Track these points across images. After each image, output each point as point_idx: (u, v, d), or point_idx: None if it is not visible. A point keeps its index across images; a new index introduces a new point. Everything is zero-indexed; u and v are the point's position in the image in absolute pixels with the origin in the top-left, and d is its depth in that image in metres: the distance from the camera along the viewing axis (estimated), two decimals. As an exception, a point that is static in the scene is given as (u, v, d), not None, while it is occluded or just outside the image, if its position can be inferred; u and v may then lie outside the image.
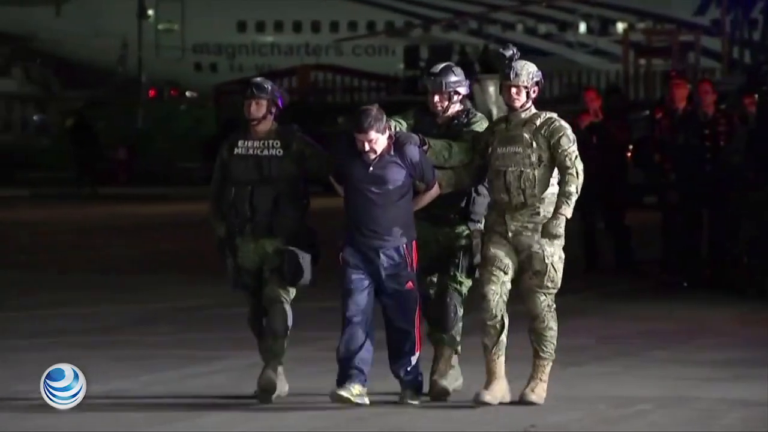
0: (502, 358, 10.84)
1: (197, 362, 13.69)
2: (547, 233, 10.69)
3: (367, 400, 10.90)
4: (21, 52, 57.16)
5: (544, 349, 10.84)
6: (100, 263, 24.93)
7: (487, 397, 10.70)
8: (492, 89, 41.64)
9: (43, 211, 36.78)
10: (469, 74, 44.00)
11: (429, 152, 10.92)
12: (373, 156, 10.83)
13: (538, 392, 10.79)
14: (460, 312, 11.10)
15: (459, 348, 11.22)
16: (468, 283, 11.08)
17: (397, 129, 10.99)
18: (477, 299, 11.03)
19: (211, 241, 12.22)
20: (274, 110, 11.23)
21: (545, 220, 10.70)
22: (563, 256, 10.79)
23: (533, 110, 10.78)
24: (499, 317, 10.79)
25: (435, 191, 10.94)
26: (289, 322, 11.16)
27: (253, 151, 11.22)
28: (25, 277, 23.34)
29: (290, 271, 11.11)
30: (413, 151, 10.84)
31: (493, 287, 10.81)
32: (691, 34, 52.15)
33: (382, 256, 10.84)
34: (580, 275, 19.18)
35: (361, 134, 10.74)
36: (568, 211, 10.63)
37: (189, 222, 32.47)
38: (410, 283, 10.89)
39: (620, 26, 54.11)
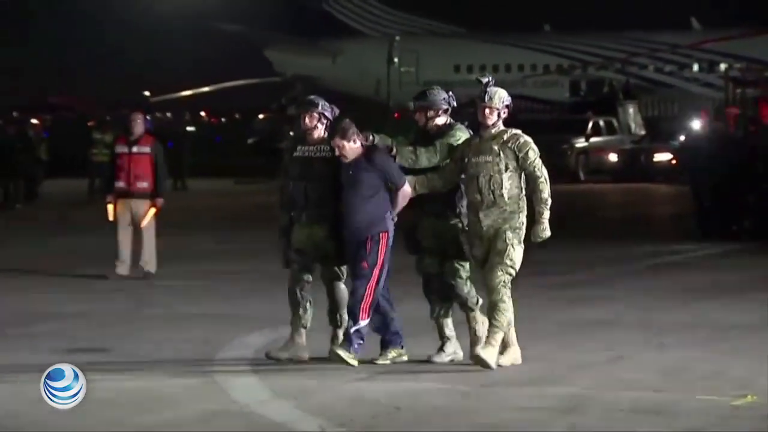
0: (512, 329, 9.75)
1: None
2: (536, 236, 9.66)
3: (387, 359, 9.77)
4: (309, 88, 48.92)
5: (497, 318, 9.48)
6: None
7: (503, 360, 9.62)
8: (630, 110, 44.68)
9: None
10: (615, 100, 45.99)
11: (397, 158, 9.74)
12: (345, 161, 9.76)
13: (487, 354, 9.45)
14: (465, 285, 9.90)
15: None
16: (466, 265, 9.90)
17: (375, 139, 9.81)
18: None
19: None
20: (324, 121, 9.96)
21: (511, 215, 9.58)
22: (518, 247, 9.58)
23: (501, 127, 9.73)
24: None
25: (406, 192, 9.72)
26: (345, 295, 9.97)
27: (307, 154, 9.96)
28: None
29: (343, 255, 9.90)
30: (382, 158, 9.73)
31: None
32: (773, 71, 52.15)
33: (358, 245, 9.74)
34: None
35: (333, 141, 9.79)
36: (546, 214, 9.62)
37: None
38: (365, 263, 9.67)
39: (722, 66, 51.86)
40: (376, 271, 9.65)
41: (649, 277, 15.94)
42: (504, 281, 9.51)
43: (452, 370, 9.49)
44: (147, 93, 63.75)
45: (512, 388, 8.82)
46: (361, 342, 9.61)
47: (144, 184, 15.64)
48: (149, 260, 15.64)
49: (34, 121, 40.29)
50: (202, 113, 67.31)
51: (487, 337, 9.52)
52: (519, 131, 9.72)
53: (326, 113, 9.99)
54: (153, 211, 15.66)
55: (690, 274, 16.15)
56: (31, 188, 31.20)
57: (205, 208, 30.37)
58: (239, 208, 30.72)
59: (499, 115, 9.72)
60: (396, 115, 53.74)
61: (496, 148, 9.56)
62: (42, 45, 72.99)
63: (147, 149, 15.69)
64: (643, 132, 44.19)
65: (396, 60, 56.18)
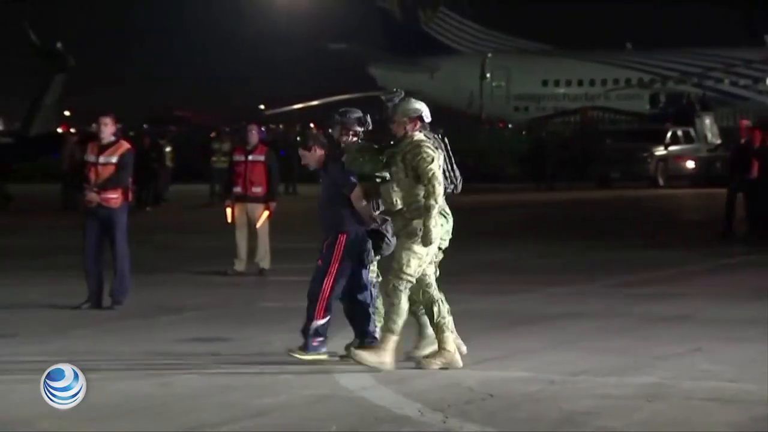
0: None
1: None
2: (407, 234, 9.15)
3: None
4: None
5: (387, 324, 9.10)
6: (460, 227, 25.37)
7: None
8: (707, 121, 44.24)
9: None
10: (692, 112, 45.89)
11: (347, 164, 9.40)
12: (310, 168, 9.69)
13: (366, 355, 9.04)
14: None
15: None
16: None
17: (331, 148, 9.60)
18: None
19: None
20: (350, 134, 9.55)
21: (409, 222, 9.13)
22: (418, 252, 9.08)
23: (409, 138, 9.17)
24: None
25: (354, 197, 9.38)
26: None
27: None
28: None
29: None
30: (333, 165, 9.49)
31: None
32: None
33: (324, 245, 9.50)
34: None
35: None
36: (428, 221, 9.04)
37: (502, 204, 33.63)
38: (320, 261, 9.39)
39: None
40: (331, 269, 9.30)
41: (725, 274, 15.84)
42: (395, 286, 9.11)
43: (541, 360, 9.45)
44: (262, 107, 64.59)
45: (597, 378, 8.75)
46: (321, 339, 9.33)
47: (259, 189, 15.75)
48: (263, 258, 15.80)
49: (172, 128, 40.81)
50: (311, 125, 67.92)
51: (381, 339, 9.17)
52: (422, 141, 9.20)
53: (352, 127, 9.55)
54: (267, 213, 15.76)
55: (765, 272, 15.93)
56: (159, 193, 31.78)
57: (313, 210, 30.41)
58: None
59: (405, 128, 9.22)
60: (487, 124, 55.62)
61: (399, 158, 9.23)
62: (169, 63, 73.94)
63: (261, 157, 15.80)
64: (719, 141, 43.82)
65: (488, 75, 56.94)
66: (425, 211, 9.05)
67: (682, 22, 67.49)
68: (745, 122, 23.16)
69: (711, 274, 16.05)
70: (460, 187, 9.49)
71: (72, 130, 40.06)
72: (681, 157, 41.46)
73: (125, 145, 12.64)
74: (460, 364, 9.10)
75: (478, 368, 9.09)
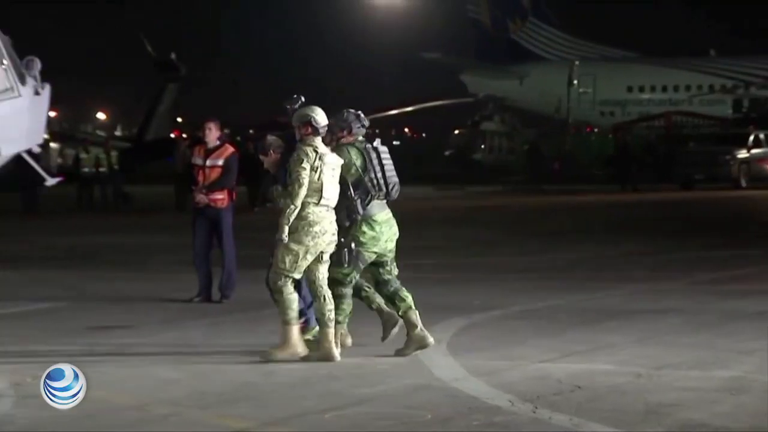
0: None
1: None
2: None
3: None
4: (498, 107, 57.42)
5: (282, 315, 9.09)
6: (549, 226, 25.49)
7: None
8: None
9: (511, 199, 37.15)
10: None
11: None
12: (272, 172, 9.70)
13: (314, 355, 9.03)
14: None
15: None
16: (344, 270, 9.32)
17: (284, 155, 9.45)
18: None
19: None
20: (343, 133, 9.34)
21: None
22: (292, 249, 8.97)
23: (301, 142, 9.13)
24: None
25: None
26: None
27: None
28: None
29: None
30: (280, 171, 9.48)
31: None
32: None
33: None
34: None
35: None
36: (282, 217, 9.00)
37: (588, 205, 33.60)
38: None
39: None
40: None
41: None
42: (274, 281, 9.06)
43: (627, 354, 9.35)
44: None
45: (681, 371, 8.64)
46: (302, 320, 9.41)
47: (356, 191, 15.84)
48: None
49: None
50: (406, 129, 68.12)
51: (282, 334, 9.07)
52: (306, 145, 9.08)
53: (339, 132, 9.29)
54: (364, 213, 15.84)
55: None
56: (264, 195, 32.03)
57: (408, 210, 30.61)
58: (439, 210, 31.13)
59: (300, 131, 9.14)
60: (573, 129, 55.36)
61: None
62: (275, 73, 74.78)
63: (359, 160, 15.89)
64: (802, 145, 43.13)
65: (575, 82, 56.42)
66: (282, 209, 9.00)
67: (765, 28, 66.39)
68: None
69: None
70: (394, 193, 9.36)
71: (183, 135, 40.66)
72: (763, 159, 41.10)
73: (230, 149, 12.77)
74: (337, 359, 8.99)
75: (566, 361, 9.03)
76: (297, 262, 9.06)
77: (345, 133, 9.37)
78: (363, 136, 9.44)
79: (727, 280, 14.54)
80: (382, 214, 9.36)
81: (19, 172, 14.28)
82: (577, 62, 57.16)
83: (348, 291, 9.35)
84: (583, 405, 7.52)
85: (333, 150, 9.27)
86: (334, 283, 9.27)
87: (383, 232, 9.35)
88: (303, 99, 9.28)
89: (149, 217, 28.54)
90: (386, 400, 7.73)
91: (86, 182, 32.03)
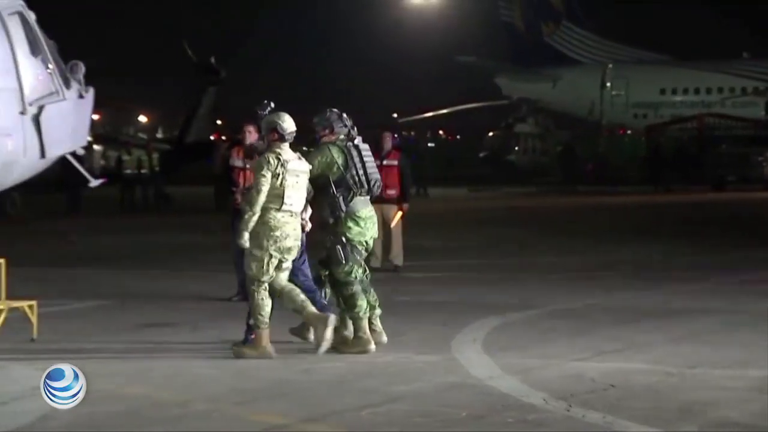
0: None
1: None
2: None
3: None
4: (533, 109, 57.61)
5: (252, 318, 9.17)
6: (584, 227, 25.36)
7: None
8: None
9: (545, 199, 37.07)
10: None
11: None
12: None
13: (240, 349, 9.16)
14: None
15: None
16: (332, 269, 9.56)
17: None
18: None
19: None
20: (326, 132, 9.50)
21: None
22: (254, 254, 9.07)
23: (267, 148, 9.21)
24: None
25: None
26: None
27: None
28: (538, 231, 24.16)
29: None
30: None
31: None
32: None
33: None
34: None
35: None
36: (240, 222, 9.12)
37: (622, 206, 33.13)
38: None
39: None
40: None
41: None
42: (248, 286, 9.17)
43: (661, 353, 9.31)
44: (395, 115, 65.20)
45: (715, 370, 8.58)
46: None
47: (393, 192, 15.83)
48: (397, 255, 15.87)
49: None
50: (441, 131, 68.12)
51: (254, 335, 9.16)
52: (270, 151, 9.13)
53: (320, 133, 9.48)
54: (400, 214, 15.86)
55: None
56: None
57: (443, 211, 31.03)
58: (474, 211, 30.99)
59: (264, 138, 9.24)
60: (607, 131, 55.37)
61: None
62: (309, 77, 74.99)
63: (395, 162, 15.89)
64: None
65: (608, 84, 56.36)
66: (243, 212, 9.07)
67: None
68: None
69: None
70: (376, 190, 9.47)
71: (223, 138, 40.93)
72: (796, 161, 40.95)
73: (267, 151, 12.84)
74: (273, 356, 9.03)
75: (601, 360, 8.98)
76: (263, 267, 9.10)
77: (327, 131, 9.45)
78: (345, 135, 9.47)
79: (761, 281, 14.41)
80: (365, 210, 9.43)
81: (63, 174, 14.49)
82: (610, 65, 57.10)
83: (357, 288, 9.38)
84: (616, 403, 7.48)
85: (316, 148, 9.36)
86: (340, 285, 9.30)
87: (368, 227, 9.44)
88: (272, 105, 9.33)
89: (189, 218, 28.67)
90: (421, 397, 7.71)
91: (128, 183, 32.37)
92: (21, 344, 9.65)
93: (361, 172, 9.36)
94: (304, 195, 9.21)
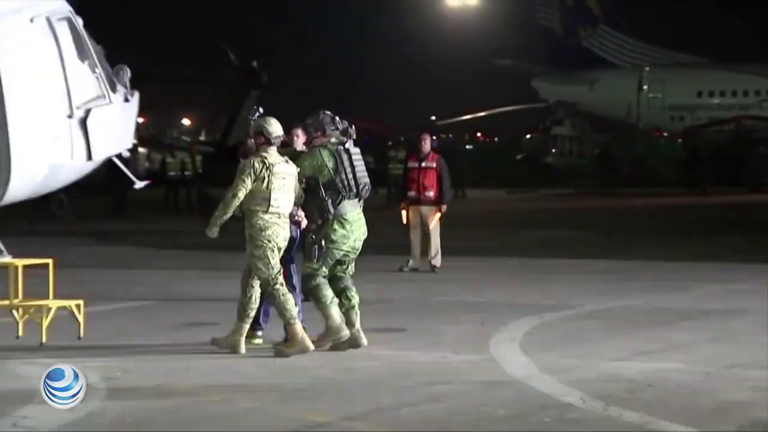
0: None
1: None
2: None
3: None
4: (570, 112, 56.57)
5: (283, 316, 9.23)
6: (622, 228, 25.25)
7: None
8: None
9: (582, 201, 37.03)
10: None
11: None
12: None
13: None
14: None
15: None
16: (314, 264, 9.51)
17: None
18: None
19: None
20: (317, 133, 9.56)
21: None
22: (254, 254, 9.26)
23: (254, 152, 9.39)
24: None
25: None
26: None
27: None
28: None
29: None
30: None
31: None
32: None
33: None
34: None
35: None
36: (212, 216, 9.49)
37: (659, 207, 33.19)
38: None
39: None
40: None
41: None
42: (264, 288, 9.22)
43: (698, 353, 9.28)
44: (433, 118, 64.87)
45: (751, 371, 8.52)
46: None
47: (431, 193, 15.84)
48: (435, 256, 15.86)
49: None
50: (478, 134, 68.07)
51: (289, 333, 9.21)
52: (256, 155, 9.28)
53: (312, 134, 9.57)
54: (438, 215, 15.86)
55: None
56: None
57: (481, 213, 31.17)
58: (512, 212, 31.05)
59: (255, 142, 9.35)
60: (644, 133, 54.50)
61: None
62: (348, 80, 75.14)
63: (433, 164, 15.90)
64: None
65: (645, 87, 55.60)
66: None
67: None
68: None
69: None
70: (365, 193, 9.50)
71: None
72: (832, 163, 40.57)
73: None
74: (243, 351, 9.18)
75: (638, 360, 8.94)
76: (270, 261, 9.21)
77: (319, 134, 9.51)
78: (337, 138, 9.51)
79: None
80: (353, 213, 9.48)
81: (109, 176, 14.68)
82: (647, 68, 56.34)
83: (321, 280, 9.42)
84: (654, 403, 7.44)
85: (307, 150, 9.47)
86: (305, 277, 9.43)
87: (353, 230, 9.48)
88: (261, 110, 9.44)
89: (230, 220, 28.84)
90: (460, 396, 7.70)
91: (172, 185, 32.63)
92: (69, 342, 9.70)
93: (350, 175, 9.43)
94: (292, 197, 9.33)
